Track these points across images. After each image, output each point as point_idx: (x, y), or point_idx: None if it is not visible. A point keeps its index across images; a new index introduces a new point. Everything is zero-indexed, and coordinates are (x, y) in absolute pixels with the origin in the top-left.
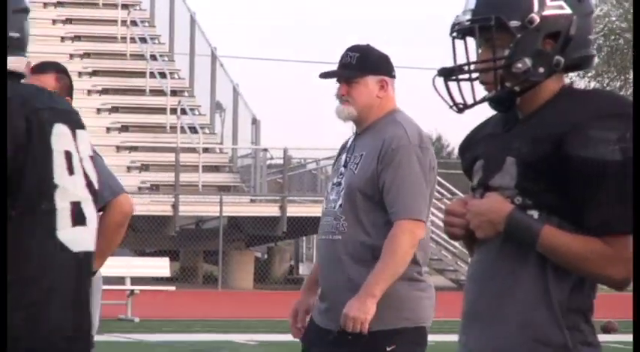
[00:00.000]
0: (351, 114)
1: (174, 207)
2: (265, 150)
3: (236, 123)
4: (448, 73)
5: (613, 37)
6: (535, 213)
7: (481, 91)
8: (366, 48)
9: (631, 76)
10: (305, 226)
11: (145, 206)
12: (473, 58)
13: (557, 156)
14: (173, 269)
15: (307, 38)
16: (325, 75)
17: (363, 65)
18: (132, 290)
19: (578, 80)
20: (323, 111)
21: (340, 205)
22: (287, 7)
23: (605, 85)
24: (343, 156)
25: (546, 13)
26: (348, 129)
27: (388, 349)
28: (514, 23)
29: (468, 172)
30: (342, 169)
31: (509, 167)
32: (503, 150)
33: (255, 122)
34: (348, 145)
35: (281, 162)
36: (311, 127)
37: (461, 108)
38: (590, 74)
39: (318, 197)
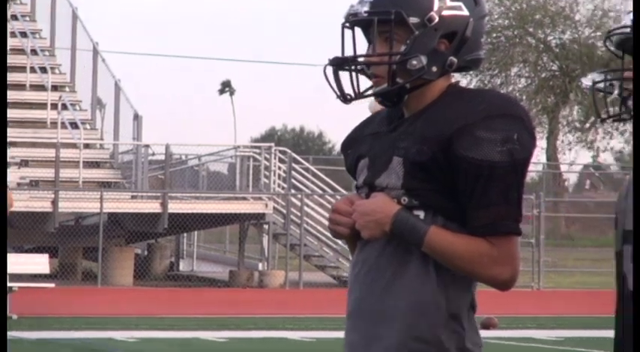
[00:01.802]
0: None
1: (54, 203)
2: (147, 146)
3: (117, 118)
4: (340, 63)
5: (495, 35)
6: (421, 214)
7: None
8: None
9: (512, 73)
10: (186, 223)
11: (24, 202)
12: (359, 49)
13: (446, 157)
14: (52, 266)
15: (190, 33)
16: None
17: None
18: (10, 287)
19: (459, 76)
20: (205, 108)
21: None
22: (169, 2)
23: (486, 81)
24: None
25: (445, 13)
26: (230, 128)
27: None
28: (413, 20)
29: (352, 171)
30: None
31: (395, 166)
32: (389, 149)
33: (136, 118)
34: None
35: (162, 158)
36: (193, 123)
37: (348, 99)
38: (471, 71)
39: (199, 193)
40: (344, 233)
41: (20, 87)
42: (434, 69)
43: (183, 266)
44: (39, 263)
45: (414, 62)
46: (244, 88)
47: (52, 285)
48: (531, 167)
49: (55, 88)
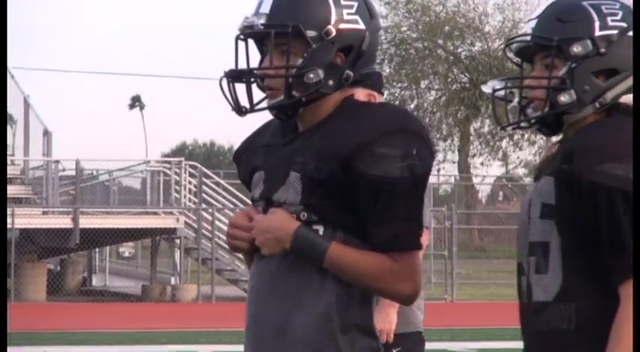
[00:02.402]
0: None
1: None
2: (57, 161)
3: (27, 134)
4: (237, 76)
5: (404, 47)
6: (321, 229)
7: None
8: None
9: (422, 85)
10: (98, 237)
11: None
12: (253, 60)
13: (345, 174)
14: None
15: (99, 48)
16: None
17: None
18: None
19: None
20: (116, 123)
21: None
22: (79, 18)
23: (396, 94)
24: None
25: (342, 26)
26: (138, 143)
27: (394, 351)
28: (311, 33)
29: (246, 182)
30: None
31: (293, 182)
32: (285, 164)
33: (46, 133)
34: None
35: (73, 173)
36: (104, 139)
37: (243, 111)
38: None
39: (110, 208)
40: (243, 247)
41: None
42: (330, 82)
43: (96, 281)
44: None
45: (311, 75)
46: (154, 103)
47: None
48: (443, 179)
49: None
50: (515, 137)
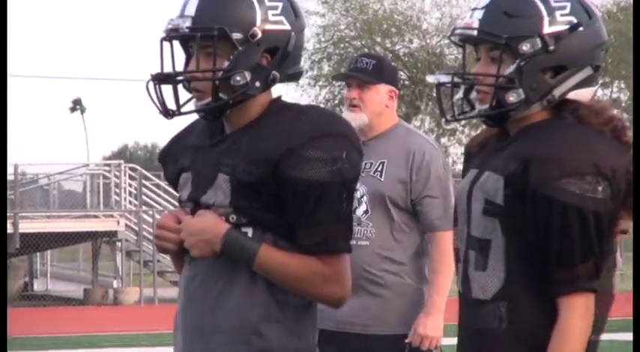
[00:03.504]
0: (363, 121)
1: None
2: None
3: None
4: (164, 78)
5: (342, 45)
6: (250, 231)
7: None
8: (381, 57)
9: None
10: (38, 242)
11: None
12: (178, 62)
13: (274, 178)
14: None
15: (37, 52)
16: (339, 77)
17: (378, 72)
18: None
19: (309, 89)
20: (57, 127)
21: (365, 211)
22: (16, 22)
23: (336, 93)
24: None
25: (268, 27)
26: (80, 146)
27: (407, 340)
28: (237, 35)
29: (173, 183)
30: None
31: (221, 184)
32: (213, 165)
33: None
34: None
35: (12, 178)
36: (45, 143)
37: (170, 114)
38: (320, 83)
39: (50, 212)
40: (171, 249)
41: None
42: (257, 84)
43: (37, 286)
44: None
45: (238, 78)
46: (95, 106)
47: None
48: None
49: None
50: (457, 133)
